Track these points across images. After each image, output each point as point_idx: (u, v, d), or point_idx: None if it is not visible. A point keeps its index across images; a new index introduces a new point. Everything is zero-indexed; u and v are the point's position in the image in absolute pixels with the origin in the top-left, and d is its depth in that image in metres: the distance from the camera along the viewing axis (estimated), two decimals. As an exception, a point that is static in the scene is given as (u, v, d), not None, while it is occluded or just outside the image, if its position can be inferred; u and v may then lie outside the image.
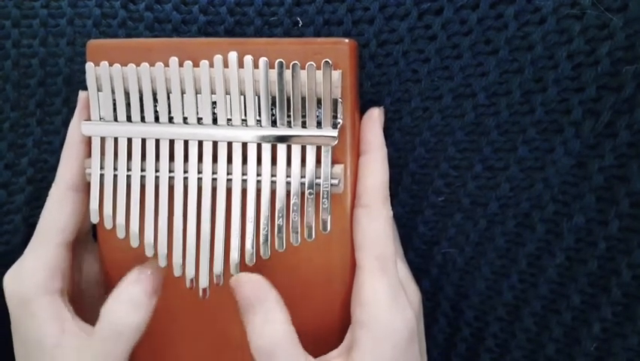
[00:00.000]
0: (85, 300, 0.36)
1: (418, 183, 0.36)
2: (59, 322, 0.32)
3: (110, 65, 0.32)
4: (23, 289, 0.32)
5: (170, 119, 0.33)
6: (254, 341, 0.30)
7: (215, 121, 0.32)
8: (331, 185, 0.31)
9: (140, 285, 0.32)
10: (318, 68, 0.30)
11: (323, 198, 0.32)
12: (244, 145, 0.32)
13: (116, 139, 0.33)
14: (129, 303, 0.31)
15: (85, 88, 0.34)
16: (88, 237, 0.37)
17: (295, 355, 0.30)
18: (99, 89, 0.33)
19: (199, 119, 0.32)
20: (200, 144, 0.32)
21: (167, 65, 0.32)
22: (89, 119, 0.34)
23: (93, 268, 0.37)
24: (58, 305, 0.32)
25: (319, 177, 0.31)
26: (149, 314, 0.32)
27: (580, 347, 0.35)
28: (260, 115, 0.31)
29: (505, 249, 0.36)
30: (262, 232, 0.32)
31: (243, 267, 0.33)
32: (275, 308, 0.31)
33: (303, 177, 0.32)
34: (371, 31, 0.33)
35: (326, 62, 0.30)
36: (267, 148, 0.32)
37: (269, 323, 0.30)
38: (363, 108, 0.34)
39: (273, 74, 0.31)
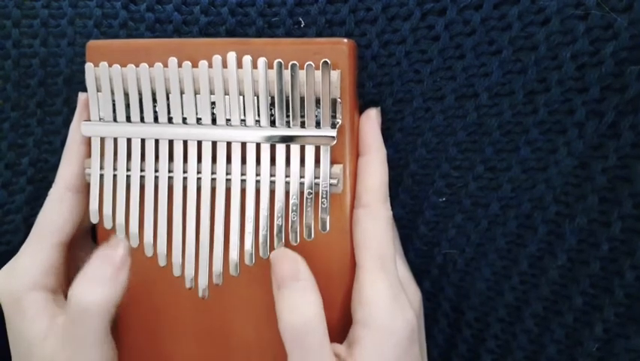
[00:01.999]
0: None
1: (419, 183, 0.36)
2: (48, 318, 0.32)
3: (110, 65, 0.32)
4: (15, 285, 0.33)
5: (170, 120, 0.32)
6: (285, 316, 0.30)
7: (214, 121, 0.32)
8: (330, 185, 0.31)
9: (104, 262, 0.32)
10: (317, 68, 0.30)
11: (322, 198, 0.32)
12: (243, 145, 0.32)
13: (115, 139, 0.33)
14: (92, 281, 0.31)
15: (85, 88, 0.34)
16: (87, 237, 0.37)
17: (324, 336, 0.30)
18: (98, 90, 0.33)
19: (198, 120, 0.32)
20: (200, 144, 0.32)
21: (166, 65, 0.32)
22: (88, 119, 0.34)
23: None
24: (48, 302, 0.33)
25: (318, 177, 0.31)
26: (117, 290, 0.31)
27: (582, 348, 0.35)
28: (259, 115, 0.31)
29: (506, 250, 0.36)
30: (261, 232, 0.32)
31: (242, 267, 0.33)
32: (311, 289, 0.31)
33: (302, 177, 0.32)
34: (373, 32, 0.33)
35: (325, 62, 0.30)
36: (265, 148, 0.32)
37: (304, 301, 0.30)
38: (364, 109, 0.34)
39: (272, 74, 0.31)
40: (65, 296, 0.34)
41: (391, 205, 0.33)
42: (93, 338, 0.31)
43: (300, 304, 0.30)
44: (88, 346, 0.31)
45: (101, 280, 0.31)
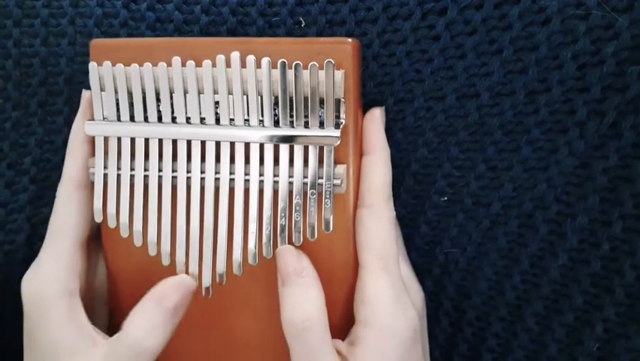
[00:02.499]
0: (90, 300, 0.36)
1: (420, 183, 0.36)
2: (75, 327, 0.32)
3: (113, 64, 0.32)
4: (43, 290, 0.32)
5: (173, 119, 0.32)
6: (287, 313, 0.30)
7: (218, 121, 0.32)
8: (334, 185, 0.31)
9: (161, 306, 0.31)
10: (321, 67, 0.30)
11: (325, 198, 0.32)
12: (247, 145, 0.32)
13: (119, 139, 0.33)
14: (148, 326, 0.31)
15: (86, 87, 0.34)
16: (94, 237, 0.37)
17: (325, 332, 0.30)
18: (102, 89, 0.33)
19: (202, 119, 0.32)
20: (203, 143, 0.32)
21: (170, 64, 0.32)
22: (92, 118, 0.34)
23: (99, 268, 0.37)
24: (75, 309, 0.32)
25: (322, 177, 0.31)
26: (169, 333, 0.31)
27: (582, 347, 0.35)
28: (262, 115, 0.31)
29: (507, 249, 0.36)
30: (265, 232, 0.32)
31: (245, 266, 0.33)
32: (314, 285, 0.31)
33: (305, 177, 0.32)
34: (374, 32, 0.33)
35: (329, 61, 0.30)
36: (269, 148, 0.32)
37: (306, 297, 0.31)
38: (366, 109, 0.34)
39: (276, 73, 0.31)
40: (82, 297, 0.33)
41: (393, 205, 0.33)
42: None
43: (301, 301, 0.31)
44: None
45: (155, 327, 0.31)
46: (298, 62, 0.30)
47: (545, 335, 0.36)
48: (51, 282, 0.32)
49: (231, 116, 0.32)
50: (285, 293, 0.31)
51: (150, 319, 0.31)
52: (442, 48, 0.33)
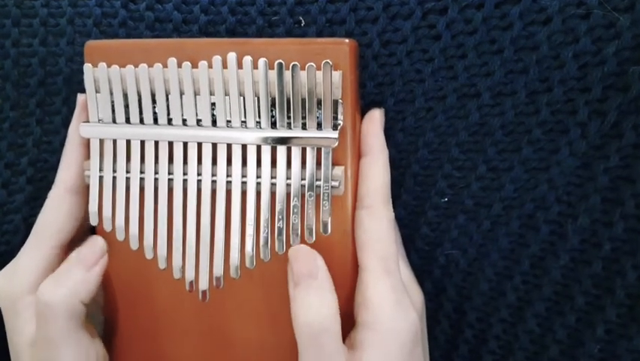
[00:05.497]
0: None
1: (421, 184, 0.36)
2: None
3: (108, 66, 0.32)
4: (13, 287, 0.33)
5: (169, 121, 0.32)
6: (302, 315, 0.30)
7: (214, 123, 0.32)
8: (332, 187, 0.31)
9: (73, 261, 0.32)
10: (318, 68, 0.30)
11: (323, 200, 0.31)
12: (244, 147, 0.32)
13: (114, 141, 0.33)
14: (57, 280, 0.32)
15: (85, 88, 0.34)
16: (86, 239, 0.37)
17: (339, 338, 0.30)
18: (97, 91, 0.33)
19: (198, 121, 0.32)
20: (200, 145, 0.32)
21: (165, 66, 0.31)
22: (87, 121, 0.33)
23: None
24: None
25: (319, 179, 0.31)
26: (85, 288, 0.32)
27: (584, 348, 0.35)
28: (259, 116, 0.31)
29: (508, 250, 0.36)
30: (262, 235, 0.32)
31: (242, 269, 0.33)
32: (330, 288, 0.31)
33: (303, 178, 0.31)
34: (374, 31, 0.33)
35: (326, 62, 0.30)
36: (266, 150, 0.31)
37: (322, 299, 0.30)
38: (365, 109, 0.34)
39: (273, 74, 0.30)
40: None
41: (393, 206, 0.33)
42: (62, 337, 0.31)
43: (317, 303, 0.30)
44: (58, 345, 0.31)
45: (66, 279, 0.32)
46: (295, 62, 0.30)
47: (546, 337, 0.36)
48: (20, 279, 0.33)
49: (228, 118, 0.32)
50: (297, 295, 0.31)
51: (58, 273, 0.32)
52: (443, 48, 0.32)
